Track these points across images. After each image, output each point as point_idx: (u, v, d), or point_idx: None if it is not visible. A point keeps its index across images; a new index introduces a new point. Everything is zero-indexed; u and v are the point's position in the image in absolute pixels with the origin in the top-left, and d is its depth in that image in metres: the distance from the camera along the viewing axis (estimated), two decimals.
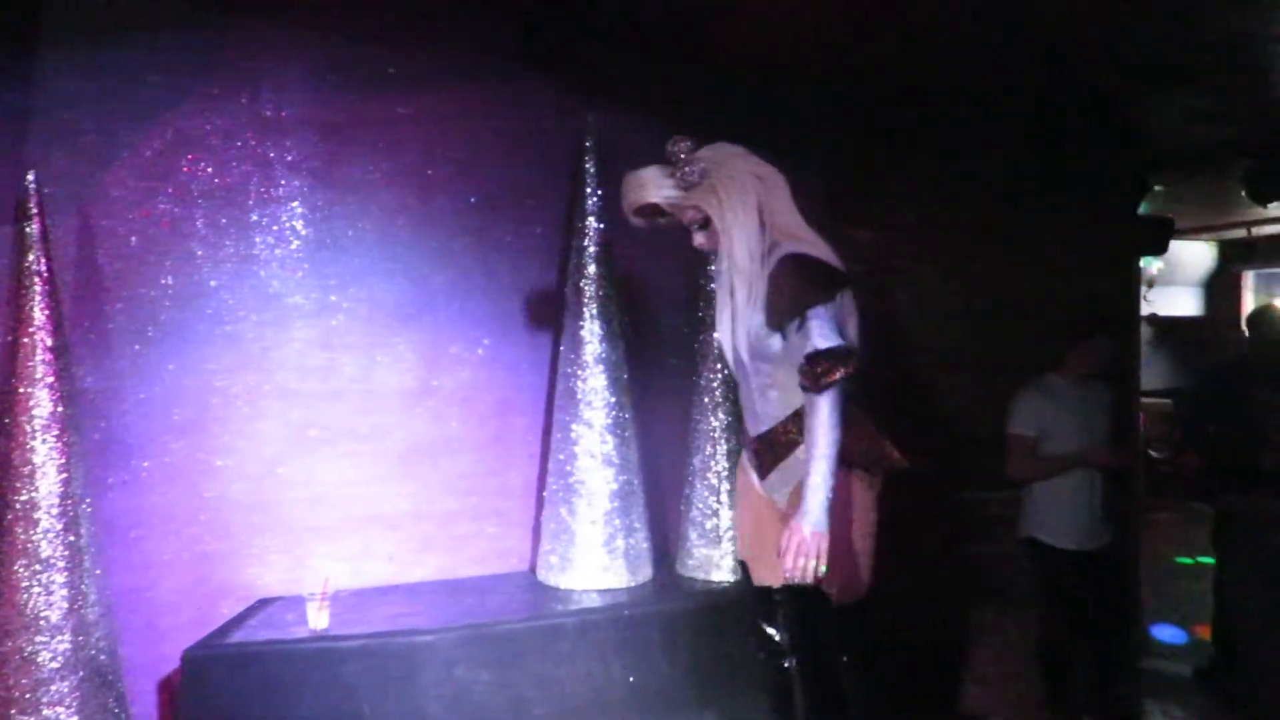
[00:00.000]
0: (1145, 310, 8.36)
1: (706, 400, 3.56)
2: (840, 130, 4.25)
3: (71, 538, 2.73)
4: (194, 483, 3.15)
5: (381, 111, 3.42)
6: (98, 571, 2.82)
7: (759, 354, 2.46)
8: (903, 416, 2.85)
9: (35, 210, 2.77)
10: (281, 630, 2.98)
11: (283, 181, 3.26)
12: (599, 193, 3.48)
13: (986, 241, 4.70)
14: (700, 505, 3.53)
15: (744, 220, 2.40)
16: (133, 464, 3.05)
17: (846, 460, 2.39)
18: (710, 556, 3.50)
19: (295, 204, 3.28)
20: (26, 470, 2.69)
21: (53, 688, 2.67)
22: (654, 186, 2.49)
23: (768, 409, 2.52)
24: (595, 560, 3.39)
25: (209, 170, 3.16)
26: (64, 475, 2.73)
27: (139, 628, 3.04)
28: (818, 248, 2.42)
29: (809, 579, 2.30)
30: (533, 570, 3.61)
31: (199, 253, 3.15)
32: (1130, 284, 5.57)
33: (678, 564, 3.61)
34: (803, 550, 2.27)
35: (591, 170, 3.49)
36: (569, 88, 3.66)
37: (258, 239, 3.23)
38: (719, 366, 3.54)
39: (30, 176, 2.77)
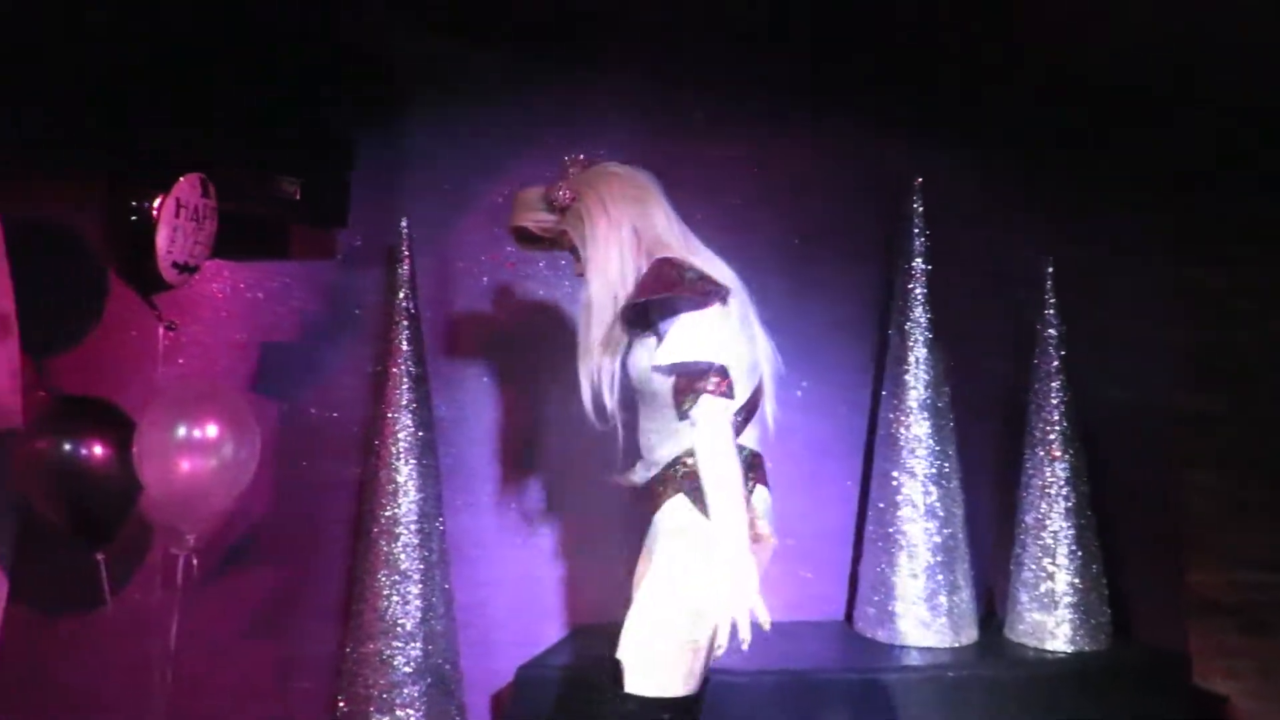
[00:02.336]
0: None
1: (1041, 453, 3.32)
2: (1182, 160, 3.85)
3: (425, 553, 2.97)
4: (526, 508, 3.33)
5: (703, 154, 3.49)
6: (446, 586, 3.04)
7: (641, 396, 2.08)
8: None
9: (406, 254, 3.07)
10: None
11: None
12: (926, 233, 3.36)
13: None
14: (1032, 566, 3.28)
15: (605, 251, 2.04)
16: (476, 488, 3.29)
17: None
18: (1044, 623, 3.24)
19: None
20: (391, 488, 2.96)
21: (405, 690, 2.91)
22: (527, 209, 2.19)
23: (659, 457, 2.07)
24: (916, 615, 3.24)
25: None
26: (421, 495, 2.98)
27: (475, 641, 3.25)
28: (709, 263, 2.07)
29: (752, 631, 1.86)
30: (848, 620, 3.50)
31: (539, 292, 3.36)
32: None
33: (1006, 628, 3.37)
34: (733, 603, 1.84)
35: (919, 209, 3.37)
36: (892, 127, 3.57)
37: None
38: (1056, 418, 3.29)
39: (404, 223, 3.07)
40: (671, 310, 1.94)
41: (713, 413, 1.90)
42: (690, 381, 1.91)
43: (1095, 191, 3.53)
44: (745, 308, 2.09)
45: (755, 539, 1.95)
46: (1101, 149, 3.53)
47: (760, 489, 2.07)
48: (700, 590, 1.93)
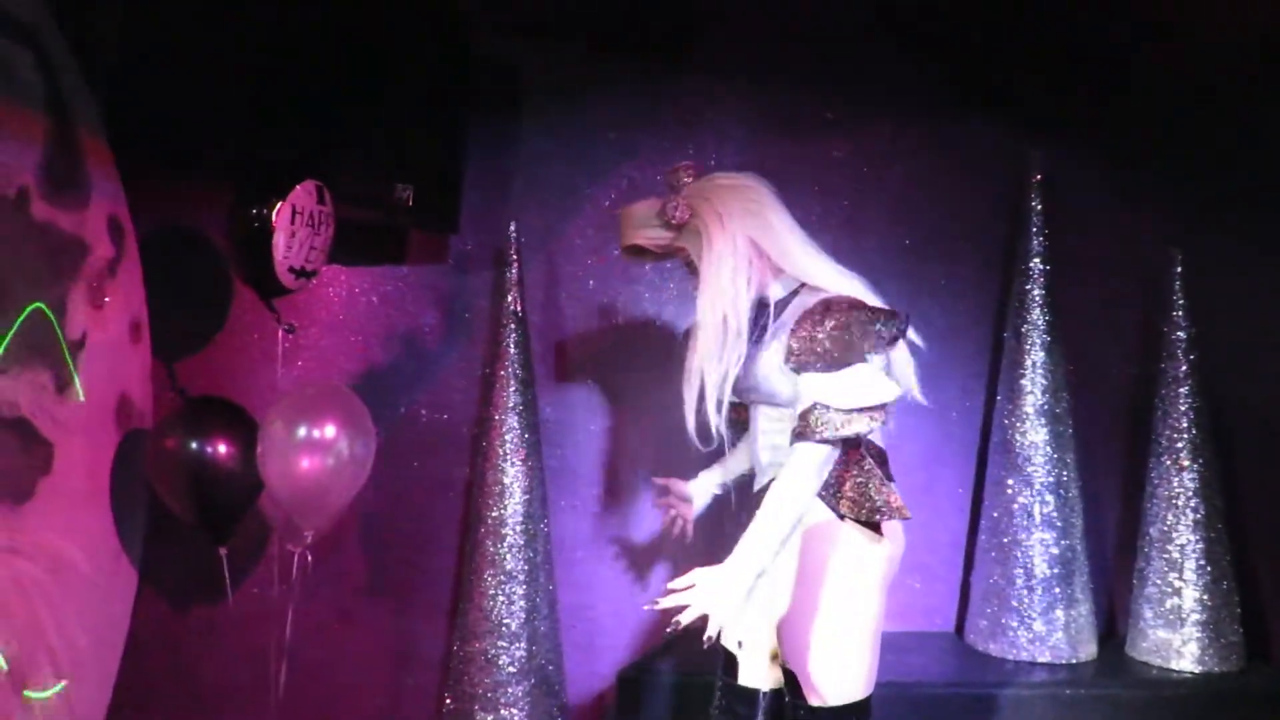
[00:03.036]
0: None
1: (1168, 462, 3.16)
2: None
3: (531, 553, 3.00)
4: (634, 511, 3.33)
5: (814, 155, 3.45)
6: (550, 587, 3.07)
7: (767, 400, 2.04)
8: None
9: (514, 257, 3.12)
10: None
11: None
12: (1045, 232, 3.24)
13: None
14: (1158, 581, 3.13)
15: (718, 269, 1.99)
16: (581, 490, 3.31)
17: (838, 508, 1.96)
18: (1169, 641, 3.09)
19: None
20: (498, 489, 3.01)
21: (509, 690, 2.95)
22: (638, 226, 2.13)
23: (778, 458, 2.04)
24: (1031, 629, 3.12)
25: None
26: (527, 496, 3.02)
27: (579, 643, 3.27)
28: (849, 288, 2.02)
29: (705, 634, 1.81)
30: (959, 632, 3.41)
31: (645, 295, 3.36)
32: None
33: (1128, 645, 3.22)
34: (701, 598, 1.80)
35: (1038, 208, 3.26)
36: (1008, 124, 3.45)
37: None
38: (1185, 425, 3.14)
39: (512, 227, 3.12)
40: (857, 356, 1.90)
41: (821, 454, 1.89)
42: (859, 415, 1.88)
43: (1227, 185, 3.34)
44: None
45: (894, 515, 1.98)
46: (1234, 140, 3.33)
47: (892, 483, 2.06)
48: (869, 586, 1.97)
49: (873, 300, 2.03)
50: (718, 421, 2.03)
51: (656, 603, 1.82)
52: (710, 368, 2.01)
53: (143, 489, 3.01)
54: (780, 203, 2.11)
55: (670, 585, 1.84)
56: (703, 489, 2.50)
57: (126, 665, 3.07)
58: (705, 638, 1.79)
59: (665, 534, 2.62)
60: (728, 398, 2.03)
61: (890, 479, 2.07)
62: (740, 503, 2.35)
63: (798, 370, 1.93)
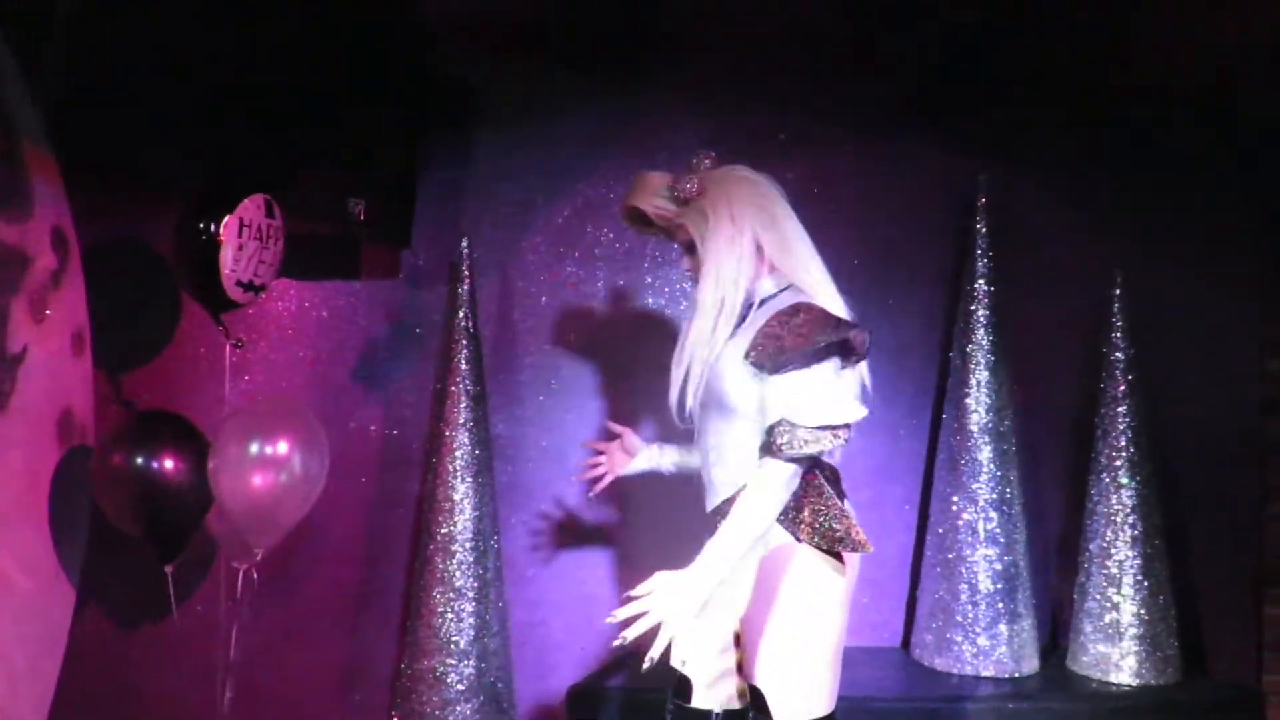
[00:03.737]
0: None
1: (1106, 479, 3.24)
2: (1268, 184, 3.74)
3: (481, 570, 2.99)
4: (587, 527, 3.33)
5: (769, 175, 3.47)
6: (501, 603, 3.06)
7: (719, 404, 2.04)
8: None
9: (467, 273, 3.12)
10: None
11: (676, 245, 3.40)
12: (990, 254, 3.31)
13: None
14: (1097, 596, 3.20)
15: (722, 255, 2.01)
16: (533, 506, 3.31)
17: (797, 533, 1.98)
18: (1108, 655, 3.15)
19: (685, 265, 3.42)
20: (448, 505, 3.00)
21: (458, 708, 2.94)
22: (648, 193, 2.15)
23: (725, 476, 2.06)
24: (975, 644, 3.17)
25: (610, 235, 3.39)
26: (477, 513, 3.02)
27: (530, 660, 3.26)
28: (831, 298, 2.04)
29: (653, 648, 1.78)
30: (905, 647, 3.45)
31: (599, 312, 3.37)
32: None
33: (1069, 658, 3.29)
34: (659, 604, 1.79)
35: (983, 230, 3.33)
36: (955, 147, 3.53)
37: (650, 300, 3.41)
38: (1123, 443, 3.21)
39: (464, 243, 3.12)
40: (805, 360, 1.90)
41: (787, 472, 1.90)
42: (821, 433, 1.88)
43: (1167, 208, 3.44)
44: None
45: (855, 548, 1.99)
46: (1173, 163, 3.43)
47: (847, 503, 2.09)
48: (830, 604, 1.99)
49: (845, 315, 2.04)
50: (694, 403, 2.05)
51: (615, 615, 1.81)
52: (699, 352, 2.03)
53: (84, 504, 2.95)
54: (789, 205, 2.13)
55: (631, 592, 1.83)
56: (651, 455, 2.47)
57: (67, 684, 3.00)
58: (648, 657, 1.76)
59: (585, 481, 2.57)
60: (705, 380, 2.04)
61: (843, 497, 2.09)
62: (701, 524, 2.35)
63: (757, 367, 1.94)
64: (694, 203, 2.08)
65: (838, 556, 2.01)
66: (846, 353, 1.98)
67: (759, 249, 2.05)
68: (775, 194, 2.12)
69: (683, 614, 1.81)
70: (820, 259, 2.10)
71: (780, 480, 1.90)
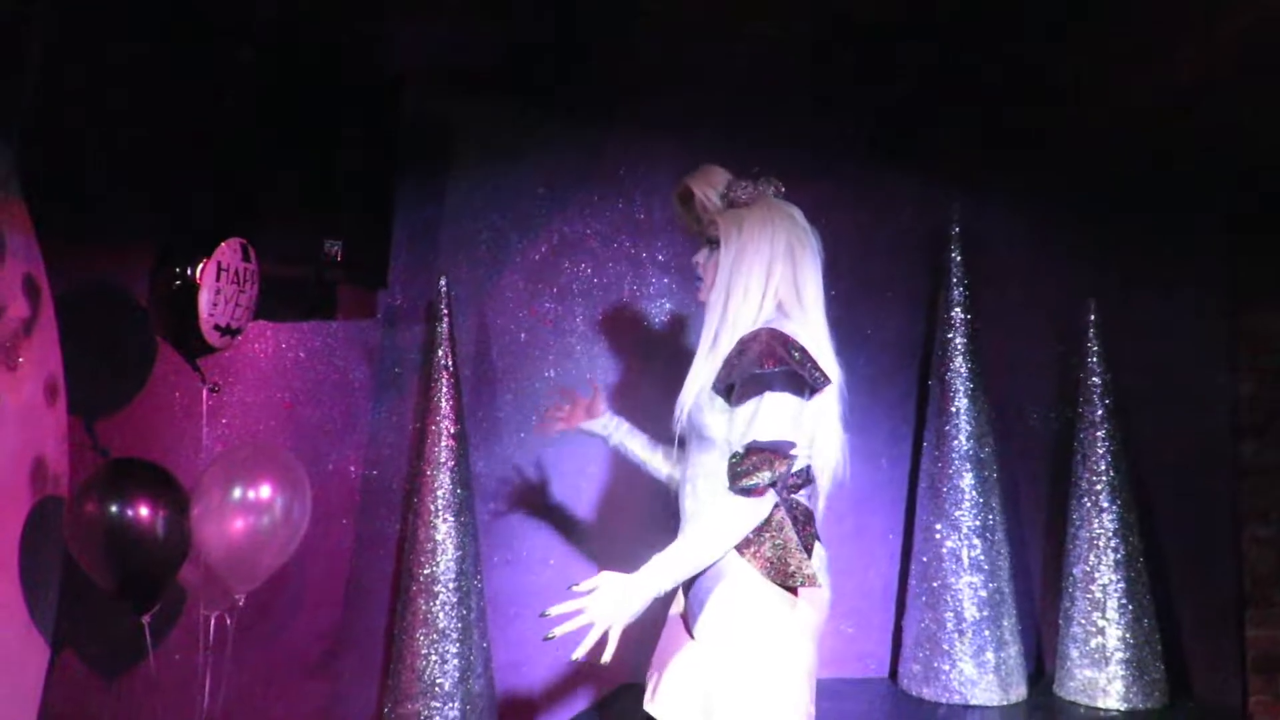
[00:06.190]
0: None
1: (1088, 504, 3.25)
2: (1236, 203, 3.80)
3: (464, 611, 2.96)
4: (560, 565, 3.31)
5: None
6: (484, 645, 3.03)
7: (697, 433, 2.04)
8: None
9: (445, 311, 3.11)
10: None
11: (653, 280, 3.43)
12: (966, 283, 3.34)
13: None
14: (1082, 621, 3.20)
15: (747, 268, 2.02)
16: (515, 545, 3.28)
17: (756, 566, 1.95)
18: (1095, 680, 3.16)
19: (664, 301, 3.43)
20: (430, 546, 2.97)
21: None
22: (706, 181, 2.16)
23: (695, 507, 2.05)
24: (963, 673, 3.16)
25: (588, 270, 3.39)
26: (460, 553, 2.98)
27: (514, 701, 3.22)
28: (822, 348, 2.04)
29: (580, 649, 1.80)
30: (893, 677, 3.43)
31: (577, 348, 3.37)
32: None
33: (1056, 685, 3.28)
34: (599, 604, 1.82)
35: (957, 259, 3.36)
36: (930, 180, 3.57)
37: (628, 334, 3.41)
38: (1103, 468, 3.23)
39: (442, 282, 3.11)
40: (765, 385, 1.91)
41: (737, 504, 1.90)
42: (762, 461, 1.88)
43: (1143, 237, 3.49)
44: (835, 404, 2.06)
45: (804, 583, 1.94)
46: (1143, 195, 3.48)
47: (817, 546, 2.06)
48: (793, 636, 1.93)
49: (824, 359, 2.03)
50: (690, 408, 2.04)
51: (549, 611, 1.81)
52: (698, 365, 2.03)
53: (57, 554, 2.90)
54: (819, 263, 2.12)
55: (575, 588, 1.83)
56: (609, 424, 2.48)
57: None
58: (573, 655, 1.78)
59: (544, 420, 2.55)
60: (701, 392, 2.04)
61: (816, 539, 2.08)
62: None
63: (715, 391, 1.96)
64: (739, 210, 2.10)
65: (794, 591, 2.00)
66: (798, 384, 1.97)
67: (769, 278, 2.05)
68: (811, 245, 2.12)
69: (616, 619, 1.83)
70: (826, 320, 2.09)
71: (729, 511, 1.90)
